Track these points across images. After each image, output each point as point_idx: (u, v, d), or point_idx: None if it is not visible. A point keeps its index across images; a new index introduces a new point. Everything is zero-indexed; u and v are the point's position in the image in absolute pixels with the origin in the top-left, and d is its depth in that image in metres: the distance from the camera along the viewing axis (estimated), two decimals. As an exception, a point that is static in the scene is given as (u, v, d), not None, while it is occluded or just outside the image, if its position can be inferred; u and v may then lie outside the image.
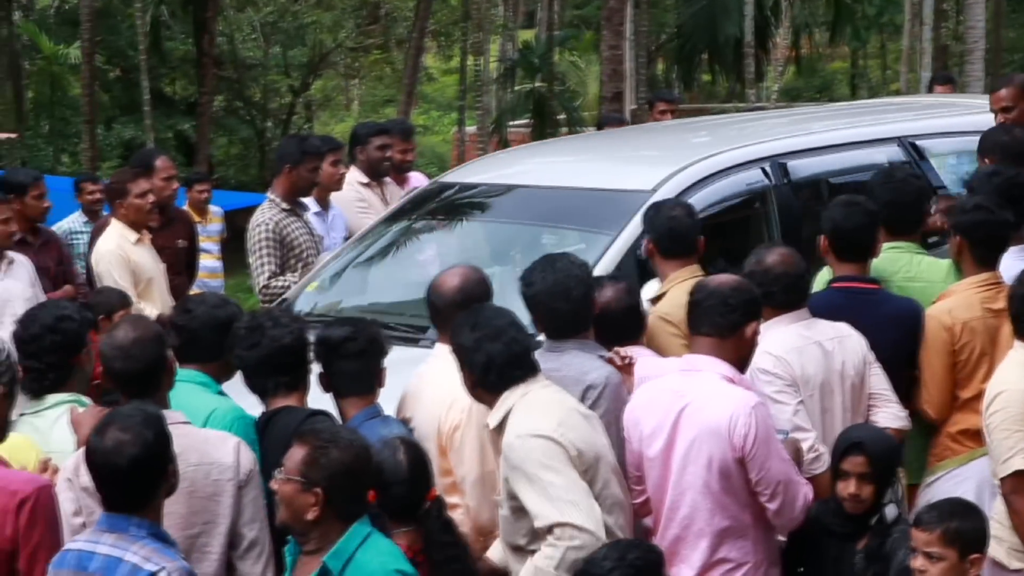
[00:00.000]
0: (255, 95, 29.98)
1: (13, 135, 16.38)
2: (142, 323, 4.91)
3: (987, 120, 7.26)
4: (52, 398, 4.96)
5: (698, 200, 6.45)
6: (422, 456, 4.61)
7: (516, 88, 27.16)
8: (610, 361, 5.20)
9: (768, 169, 6.89)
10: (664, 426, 4.79)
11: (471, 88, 26.62)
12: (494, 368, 4.67)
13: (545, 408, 4.64)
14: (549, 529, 4.47)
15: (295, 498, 4.11)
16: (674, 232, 5.91)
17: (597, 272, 5.79)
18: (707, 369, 4.83)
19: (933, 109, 8.75)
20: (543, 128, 25.12)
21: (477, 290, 5.26)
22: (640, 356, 5.37)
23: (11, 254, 8.00)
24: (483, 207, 7.47)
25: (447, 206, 7.51)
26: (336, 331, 5.07)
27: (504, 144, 23.71)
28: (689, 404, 4.77)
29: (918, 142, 7.43)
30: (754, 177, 6.89)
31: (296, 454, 4.15)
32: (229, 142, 29.93)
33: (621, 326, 5.46)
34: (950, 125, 7.83)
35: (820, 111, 9.93)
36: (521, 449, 4.57)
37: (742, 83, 25.52)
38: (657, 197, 6.34)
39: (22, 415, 5.02)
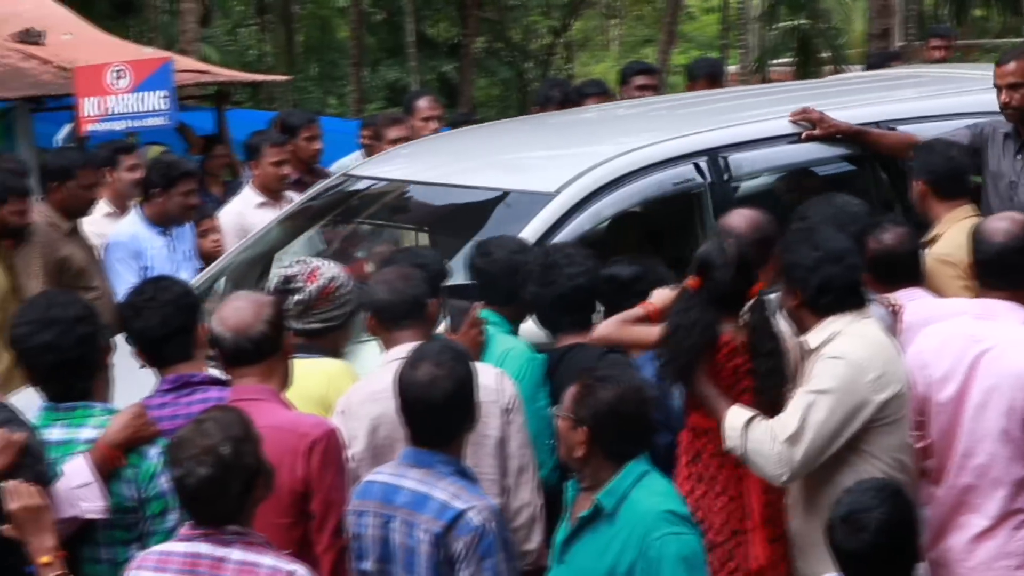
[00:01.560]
0: (516, 36, 30.20)
1: (285, 78, 16.90)
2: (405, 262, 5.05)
3: (990, 100, 6.38)
4: None
5: (611, 203, 5.82)
6: (746, 252, 4.67)
7: (779, 25, 26.64)
8: None
9: (703, 165, 6.04)
10: (958, 371, 4.61)
11: (733, 26, 26.24)
12: (830, 291, 4.57)
13: (871, 344, 4.54)
14: (778, 436, 4.44)
15: (567, 435, 4.15)
16: (954, 172, 5.81)
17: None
18: (1006, 315, 4.65)
19: (929, 86, 7.40)
20: (806, 67, 24.60)
21: (770, 228, 5.20)
22: (922, 299, 5.23)
23: (288, 194, 8.22)
24: (377, 206, 6.90)
25: (344, 205, 6.95)
26: (625, 269, 5.12)
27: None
28: (989, 350, 4.58)
29: (902, 129, 6.39)
30: (683, 175, 6.01)
31: (570, 391, 4.19)
32: (490, 83, 30.26)
33: (904, 269, 5.31)
34: (945, 107, 6.72)
35: (785, 90, 8.37)
36: (827, 367, 4.50)
37: (1019, 16, 24.45)
38: (561, 199, 5.76)
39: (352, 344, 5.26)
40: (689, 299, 4.64)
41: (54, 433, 4.25)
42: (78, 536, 4.20)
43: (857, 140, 6.38)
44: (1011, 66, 6.26)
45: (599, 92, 8.99)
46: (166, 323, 4.51)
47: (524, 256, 5.22)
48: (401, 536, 4.02)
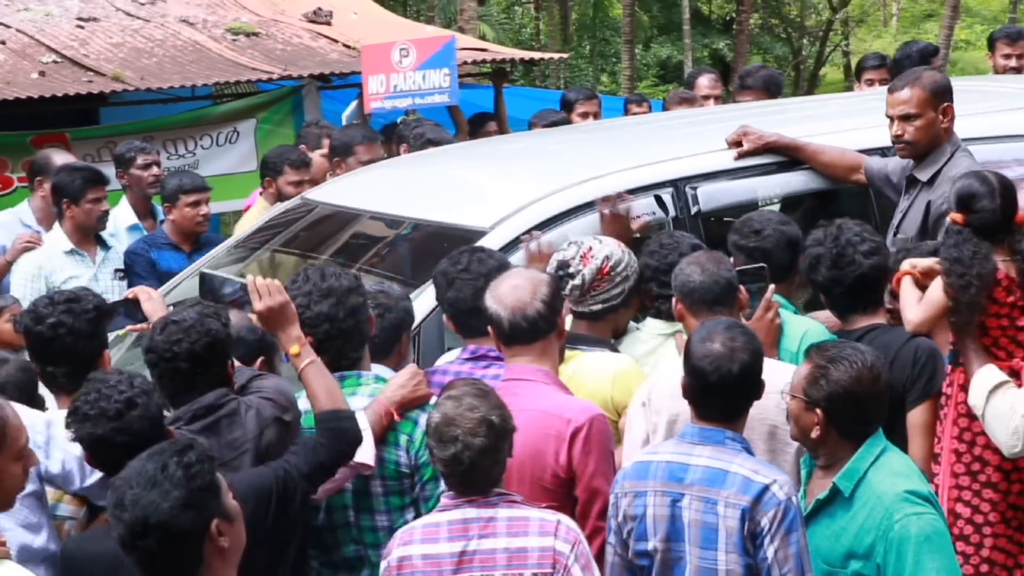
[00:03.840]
0: (792, 12, 29.73)
1: (559, 55, 17.04)
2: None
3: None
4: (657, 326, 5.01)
5: (555, 240, 5.18)
6: (1010, 182, 4.53)
7: (1072, -1, 25.45)
8: None
9: (666, 198, 5.52)
10: None
11: None
12: None
13: None
14: (1018, 409, 4.27)
15: (800, 416, 4.08)
16: None
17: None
18: None
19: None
20: (1101, 41, 23.40)
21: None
22: None
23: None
24: (317, 236, 6.39)
25: (290, 232, 6.47)
26: (922, 259, 4.92)
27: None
28: None
29: None
30: (643, 208, 5.44)
31: (801, 371, 4.11)
32: (764, 60, 29.86)
33: None
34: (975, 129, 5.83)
35: (778, 109, 7.49)
36: None
37: None
38: (497, 236, 5.25)
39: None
40: (957, 235, 4.47)
41: (327, 401, 4.40)
42: (356, 506, 4.36)
43: (790, 154, 5.84)
44: (904, 93, 5.52)
45: (878, 65, 8.76)
46: (478, 295, 4.53)
47: (791, 227, 5.08)
48: (694, 513, 3.95)
